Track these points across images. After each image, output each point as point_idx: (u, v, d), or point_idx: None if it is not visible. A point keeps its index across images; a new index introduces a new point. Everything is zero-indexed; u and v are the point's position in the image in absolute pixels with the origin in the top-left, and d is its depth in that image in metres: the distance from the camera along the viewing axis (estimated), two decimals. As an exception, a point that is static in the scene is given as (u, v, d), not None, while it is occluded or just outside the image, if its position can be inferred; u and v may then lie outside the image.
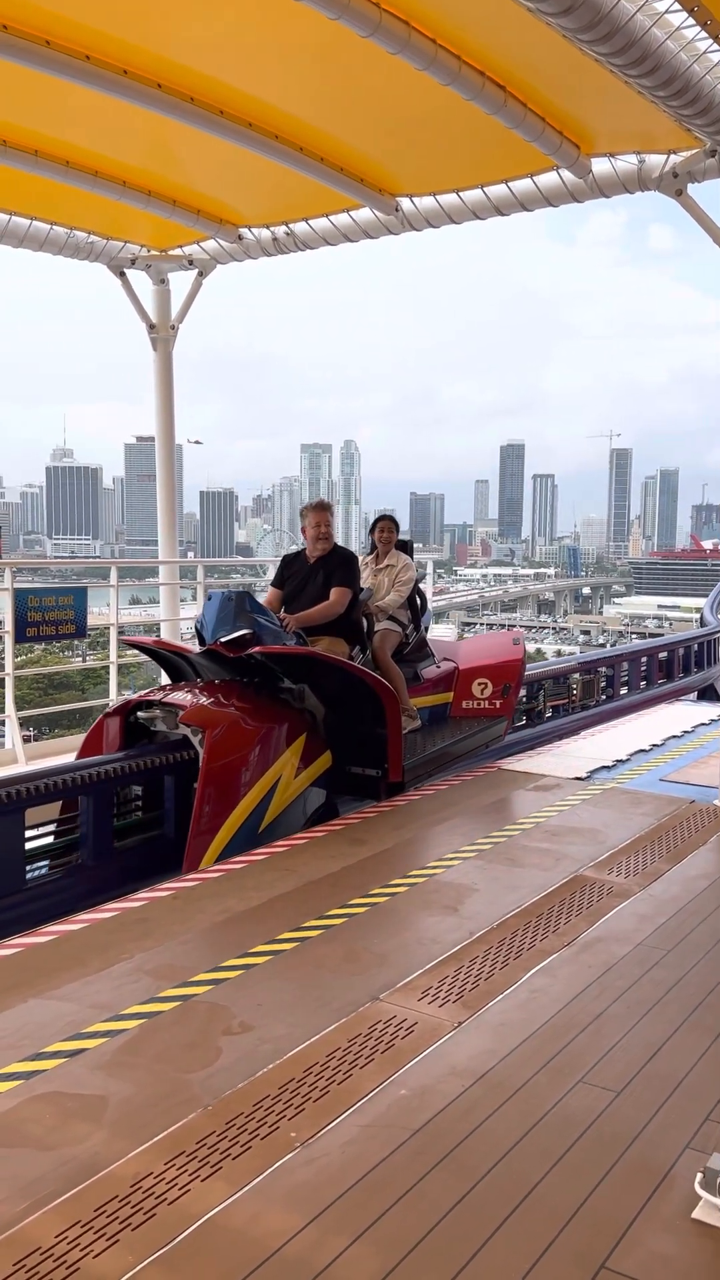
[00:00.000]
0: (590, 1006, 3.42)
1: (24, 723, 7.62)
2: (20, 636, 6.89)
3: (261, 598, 6.13)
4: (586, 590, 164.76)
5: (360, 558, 7.03)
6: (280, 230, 7.33)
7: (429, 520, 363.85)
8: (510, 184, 6.46)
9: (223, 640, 5.53)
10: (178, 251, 7.95)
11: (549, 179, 6.38)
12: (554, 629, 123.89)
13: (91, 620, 7.38)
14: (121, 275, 7.93)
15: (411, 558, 7.21)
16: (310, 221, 7.18)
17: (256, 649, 5.50)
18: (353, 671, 5.75)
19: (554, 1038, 3.21)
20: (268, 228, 7.38)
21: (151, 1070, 3.00)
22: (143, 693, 5.79)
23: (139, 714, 5.58)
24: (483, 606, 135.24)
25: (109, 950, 3.87)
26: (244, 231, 7.48)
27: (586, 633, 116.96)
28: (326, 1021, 3.29)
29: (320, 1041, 3.16)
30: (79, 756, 5.54)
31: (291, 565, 6.48)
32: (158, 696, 5.54)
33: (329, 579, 6.19)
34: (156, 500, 8.29)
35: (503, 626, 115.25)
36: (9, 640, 6.78)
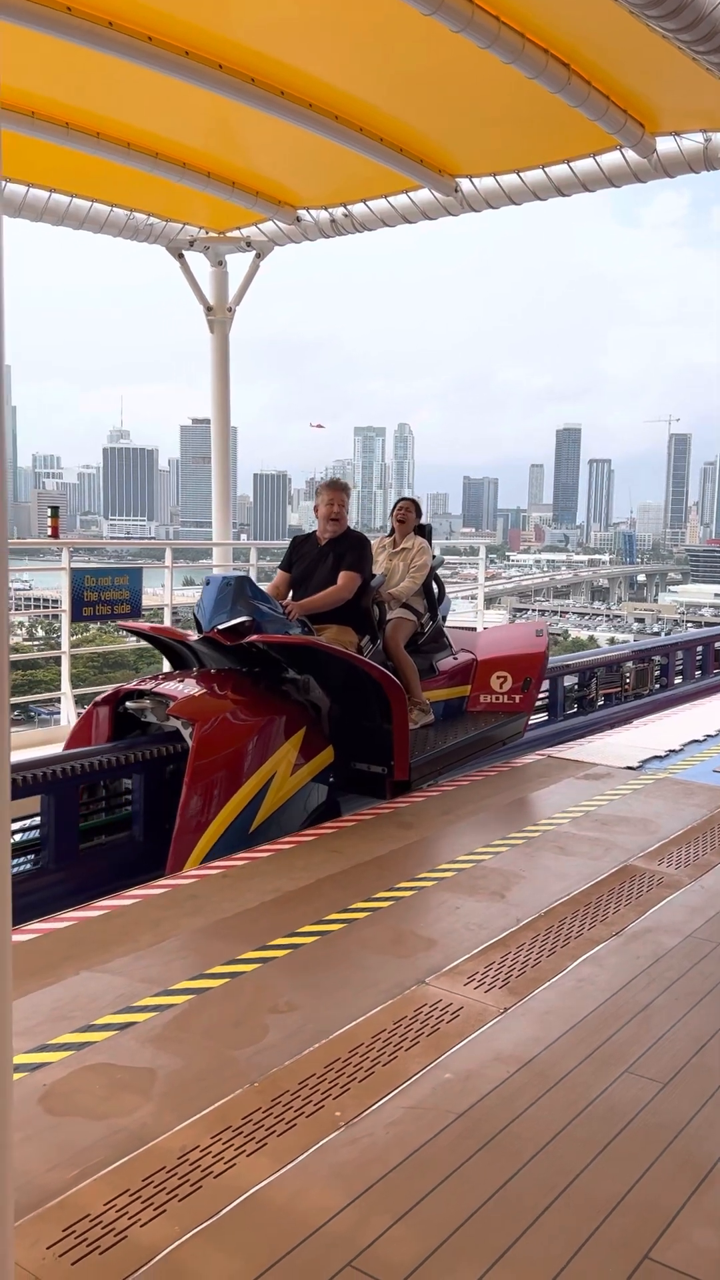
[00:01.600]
0: (638, 997, 3.40)
1: (79, 700, 7.74)
2: (77, 615, 6.98)
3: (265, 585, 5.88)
4: (641, 577, 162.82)
5: (377, 540, 6.81)
6: (338, 212, 7.30)
7: (482, 505, 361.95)
8: (572, 164, 6.37)
9: (220, 628, 5.25)
10: (236, 233, 7.96)
11: (612, 158, 6.28)
12: (608, 616, 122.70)
13: (146, 601, 7.46)
14: (180, 257, 7.95)
15: (430, 542, 6.83)
16: (369, 203, 7.15)
17: (254, 637, 5.23)
18: (355, 663, 5.45)
19: (600, 1027, 3.19)
20: (326, 209, 7.35)
21: (199, 1045, 3.04)
22: (135, 681, 5.54)
23: (127, 704, 5.35)
24: (535, 592, 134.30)
25: (160, 925, 3.92)
26: (302, 213, 7.47)
27: (641, 620, 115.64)
28: (372, 1003, 3.30)
29: (366, 1023, 3.18)
30: (66, 747, 5.32)
31: (301, 547, 6.16)
32: (148, 686, 5.30)
33: (338, 563, 5.86)
34: (211, 482, 8.33)
35: (555, 614, 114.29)
36: (65, 619, 6.87)
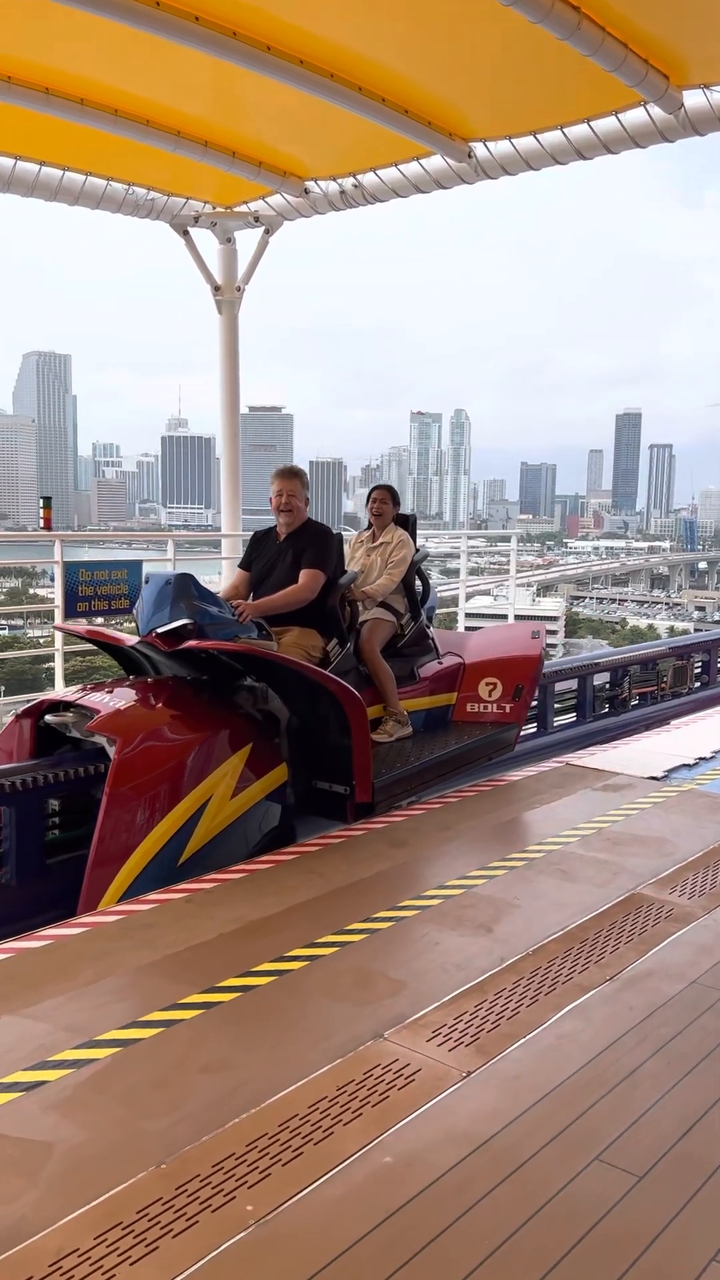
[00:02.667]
0: (624, 1060, 2.97)
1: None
2: (70, 611, 6.67)
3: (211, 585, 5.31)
4: (703, 565, 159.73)
5: (355, 535, 6.29)
6: (348, 182, 6.88)
7: (540, 491, 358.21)
8: (592, 123, 5.87)
9: (159, 631, 4.74)
10: (243, 208, 7.57)
11: (635, 116, 5.78)
12: (667, 604, 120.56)
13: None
14: (185, 234, 7.59)
15: (414, 534, 6.20)
16: (378, 172, 6.72)
17: (191, 643, 4.68)
18: (305, 672, 4.85)
19: (575, 1098, 2.77)
20: (334, 180, 6.93)
21: (110, 1113, 2.68)
22: (62, 692, 5.04)
23: (47, 717, 4.80)
24: (593, 580, 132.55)
25: (105, 959, 3.58)
26: (310, 184, 7.05)
27: (701, 609, 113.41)
28: (319, 1062, 2.91)
29: (305, 1088, 2.79)
30: None
31: (261, 544, 5.56)
32: (72, 697, 4.78)
33: (299, 559, 5.28)
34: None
35: (613, 601, 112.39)
36: (58, 615, 6.56)
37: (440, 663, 6.32)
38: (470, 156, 6.33)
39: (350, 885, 4.28)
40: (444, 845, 4.82)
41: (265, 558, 5.45)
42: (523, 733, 7.92)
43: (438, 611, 9.39)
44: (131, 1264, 2.13)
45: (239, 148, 6.52)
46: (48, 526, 6.80)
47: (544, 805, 5.47)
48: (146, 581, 5.02)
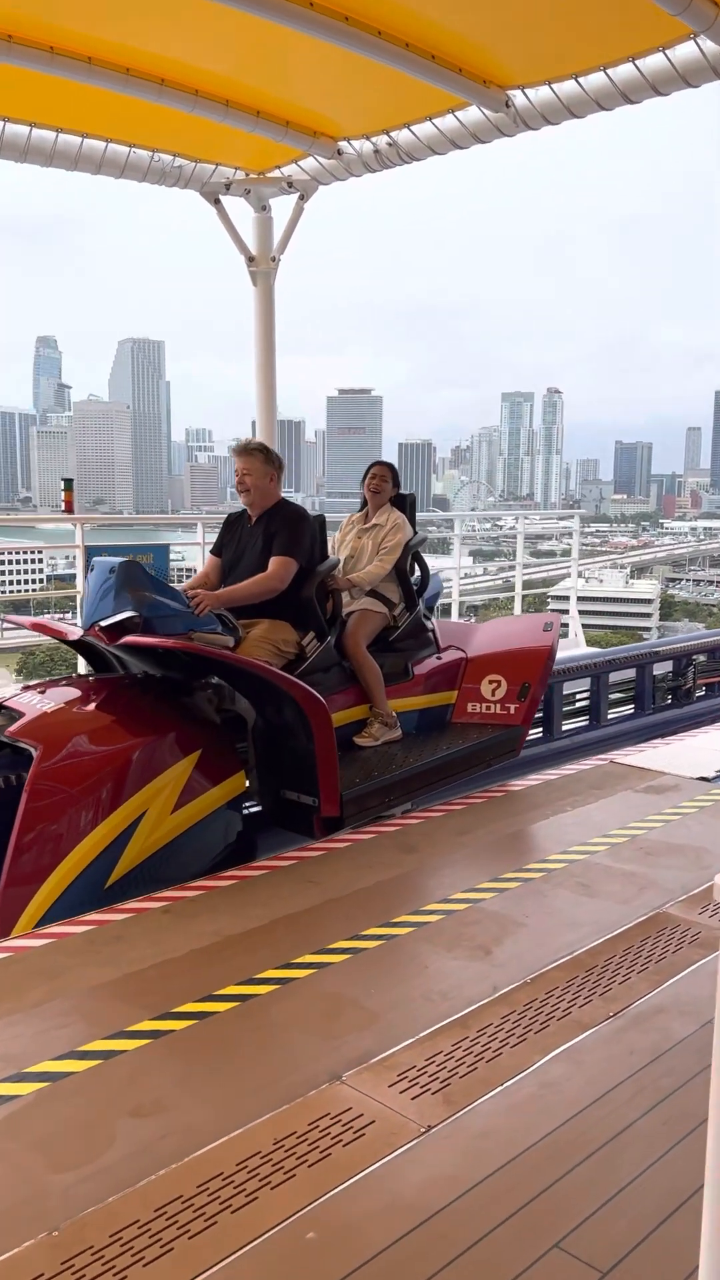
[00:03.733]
0: (613, 1117, 2.57)
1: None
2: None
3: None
4: None
5: (347, 517, 5.74)
6: (381, 140, 6.46)
7: (635, 470, 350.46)
8: (637, 62, 5.34)
9: (102, 624, 4.35)
10: (276, 173, 7.21)
11: (684, 51, 5.22)
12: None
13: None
14: (216, 203, 7.27)
15: (412, 516, 5.62)
16: (413, 128, 6.27)
17: (130, 638, 4.29)
18: (257, 671, 4.34)
19: (547, 1164, 2.39)
20: (367, 138, 6.52)
21: (19, 1162, 2.40)
22: None
23: None
24: (690, 561, 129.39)
25: (62, 976, 3.31)
26: (343, 145, 6.65)
27: None
28: (262, 1108, 2.59)
29: (240, 1139, 2.48)
30: None
31: (233, 528, 5.08)
32: (3, 698, 4.40)
33: (269, 544, 4.82)
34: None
35: (711, 584, 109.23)
36: (79, 602, 6.33)
37: (439, 658, 5.71)
38: (508, 106, 5.86)
39: (346, 896, 3.95)
40: (456, 852, 4.45)
41: (236, 542, 5.01)
42: (565, 729, 7.48)
43: (523, 595, 8.67)
44: None
45: (263, 107, 6.16)
46: (69, 509, 6.60)
47: (577, 808, 5.05)
48: (92, 569, 4.57)
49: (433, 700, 5.61)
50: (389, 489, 5.59)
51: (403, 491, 5.69)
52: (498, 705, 5.60)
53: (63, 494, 6.63)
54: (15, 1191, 2.30)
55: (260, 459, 4.93)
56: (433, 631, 5.72)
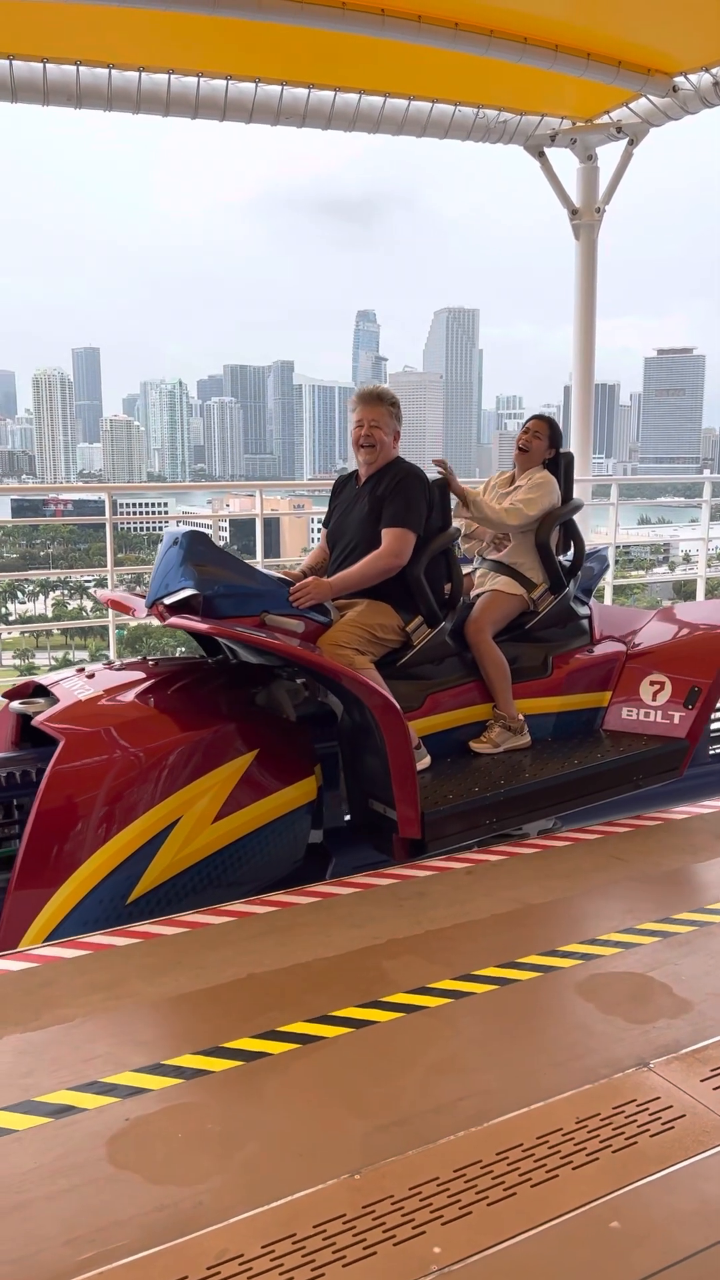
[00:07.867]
0: None
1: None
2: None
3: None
4: None
5: (487, 480, 4.88)
6: (722, 71, 6.01)
7: None
8: None
9: (166, 603, 3.76)
10: (604, 119, 6.89)
11: None
12: None
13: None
14: (540, 156, 7.06)
15: (568, 480, 4.67)
16: (760, 53, 5.79)
17: (174, 620, 3.69)
18: (315, 667, 3.68)
19: None
20: (707, 70, 6.07)
21: (321, 1104, 2.47)
22: (51, 674, 4.16)
23: (13, 704, 3.94)
24: None
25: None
26: (679, 80, 6.24)
27: None
28: (562, 1084, 2.50)
29: (540, 1112, 2.40)
30: None
31: (339, 493, 4.38)
32: (52, 680, 3.98)
33: (376, 510, 4.07)
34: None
35: None
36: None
37: (590, 650, 4.70)
38: None
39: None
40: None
41: (341, 510, 4.32)
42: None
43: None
44: (288, 1290, 1.89)
45: (595, 48, 5.88)
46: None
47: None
48: (162, 541, 3.98)
49: (575, 702, 4.67)
50: (543, 448, 4.67)
51: (564, 452, 4.78)
52: (657, 712, 4.59)
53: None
54: (318, 1131, 2.35)
55: (387, 409, 4.18)
56: (587, 619, 4.80)
